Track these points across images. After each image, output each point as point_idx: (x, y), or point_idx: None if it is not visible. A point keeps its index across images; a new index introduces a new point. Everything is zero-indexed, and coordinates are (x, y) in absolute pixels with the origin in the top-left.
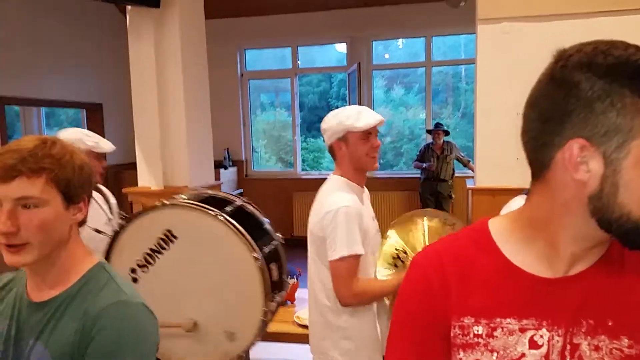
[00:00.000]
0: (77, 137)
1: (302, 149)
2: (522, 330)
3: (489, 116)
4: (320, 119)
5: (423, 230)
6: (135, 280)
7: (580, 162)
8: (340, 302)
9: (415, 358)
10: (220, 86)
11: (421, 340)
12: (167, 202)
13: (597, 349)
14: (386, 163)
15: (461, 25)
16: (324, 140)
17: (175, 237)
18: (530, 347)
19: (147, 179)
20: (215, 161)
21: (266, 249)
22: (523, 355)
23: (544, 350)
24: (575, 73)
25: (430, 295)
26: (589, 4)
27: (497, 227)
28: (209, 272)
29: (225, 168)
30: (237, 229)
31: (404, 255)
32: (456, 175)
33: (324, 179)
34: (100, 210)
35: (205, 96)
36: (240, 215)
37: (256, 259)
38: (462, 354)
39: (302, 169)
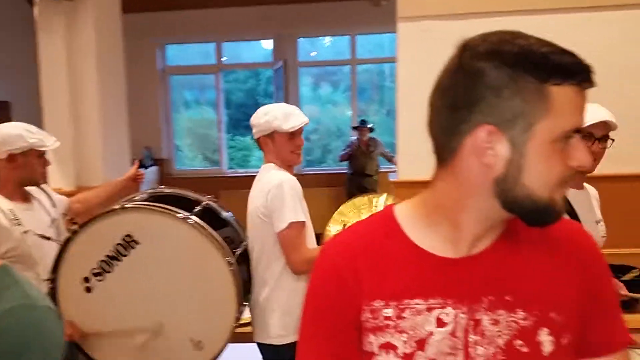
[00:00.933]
0: (17, 132)
1: (229, 147)
2: (429, 309)
3: (410, 112)
4: (248, 117)
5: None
6: (88, 289)
7: (488, 147)
8: (293, 270)
9: (331, 351)
10: (139, 82)
11: (335, 332)
12: (127, 206)
13: (496, 322)
14: (314, 160)
15: (385, 24)
16: (252, 137)
17: (136, 242)
18: (438, 326)
19: (58, 179)
20: (134, 160)
21: (238, 251)
22: (431, 334)
23: (450, 327)
24: (482, 62)
25: (340, 285)
26: (507, 4)
27: (402, 213)
28: (175, 279)
29: (146, 167)
30: (209, 233)
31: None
32: (381, 170)
33: (253, 177)
34: (43, 212)
35: (122, 93)
36: (207, 215)
37: (230, 263)
38: (372, 337)
39: (230, 167)
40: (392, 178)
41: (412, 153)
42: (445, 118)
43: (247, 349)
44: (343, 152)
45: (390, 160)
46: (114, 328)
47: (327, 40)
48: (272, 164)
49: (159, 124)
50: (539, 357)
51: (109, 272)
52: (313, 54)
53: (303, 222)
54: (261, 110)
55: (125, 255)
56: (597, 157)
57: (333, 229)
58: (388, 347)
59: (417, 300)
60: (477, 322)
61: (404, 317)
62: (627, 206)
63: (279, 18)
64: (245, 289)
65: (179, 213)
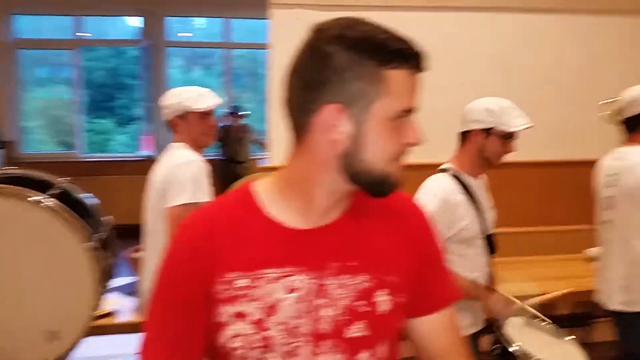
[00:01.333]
0: None
1: (88, 130)
2: (281, 277)
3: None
4: (110, 98)
5: None
6: None
7: (334, 125)
8: None
9: (177, 323)
10: None
11: (184, 304)
12: None
13: (341, 286)
14: None
15: (260, 9)
16: (114, 120)
17: None
18: (288, 292)
19: None
20: None
21: (97, 236)
22: (281, 300)
23: (299, 293)
24: (329, 45)
25: (194, 258)
26: None
27: (260, 188)
28: (27, 267)
29: None
30: (65, 216)
31: None
32: (253, 157)
33: (112, 162)
34: None
35: None
36: (64, 199)
37: (88, 248)
38: (225, 308)
39: (88, 152)
40: (261, 164)
41: (283, 140)
42: (298, 97)
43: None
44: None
45: (262, 146)
46: None
47: (200, 21)
48: (181, 144)
49: (4, 103)
50: (377, 315)
51: None
52: (184, 35)
53: (198, 204)
54: (172, 90)
55: None
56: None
57: None
58: (240, 315)
59: (270, 270)
60: (325, 287)
61: (257, 286)
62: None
63: None
64: (108, 275)
65: (31, 195)
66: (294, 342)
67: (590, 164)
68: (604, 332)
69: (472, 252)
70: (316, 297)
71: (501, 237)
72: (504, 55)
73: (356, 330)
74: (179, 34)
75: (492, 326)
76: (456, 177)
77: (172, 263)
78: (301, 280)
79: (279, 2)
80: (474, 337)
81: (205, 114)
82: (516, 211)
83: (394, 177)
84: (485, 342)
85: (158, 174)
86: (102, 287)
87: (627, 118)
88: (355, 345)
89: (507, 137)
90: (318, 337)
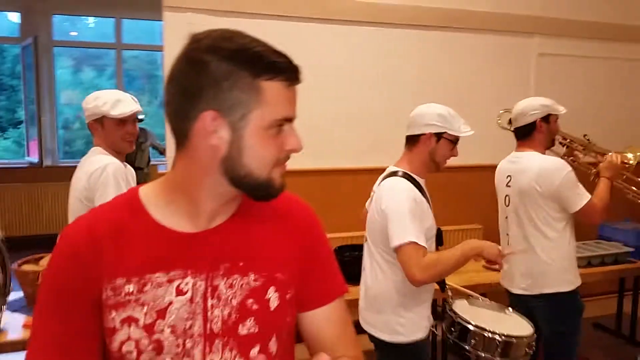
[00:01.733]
0: None
1: None
2: (170, 281)
3: None
4: None
5: None
6: None
7: (213, 131)
8: None
9: (64, 332)
10: None
11: (70, 312)
12: None
13: (231, 286)
14: (77, 151)
15: (154, 11)
16: None
17: None
18: (177, 295)
19: None
20: None
21: None
22: (171, 302)
23: (188, 295)
24: (205, 55)
25: (79, 265)
26: (268, 7)
27: (146, 193)
28: None
29: None
30: None
31: None
32: (153, 163)
33: None
34: None
35: None
36: None
37: None
38: (114, 313)
39: None
40: (162, 169)
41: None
42: (177, 104)
43: None
44: None
45: (162, 152)
46: None
47: (90, 21)
48: (99, 148)
49: None
50: (267, 312)
51: None
52: (73, 34)
53: None
54: (92, 94)
55: None
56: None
57: None
58: (129, 320)
59: (157, 274)
60: (215, 288)
61: (145, 291)
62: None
63: None
64: (3, 292)
65: None
66: (186, 344)
67: (474, 169)
68: None
69: (430, 247)
70: (206, 298)
71: None
72: (388, 67)
73: (248, 327)
74: (73, 33)
75: (443, 312)
76: (410, 179)
77: (55, 270)
78: (190, 282)
79: (172, 4)
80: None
81: (123, 121)
82: None
83: (276, 182)
84: (440, 328)
85: (78, 180)
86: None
87: (517, 127)
88: (247, 342)
89: (455, 142)
90: (211, 337)
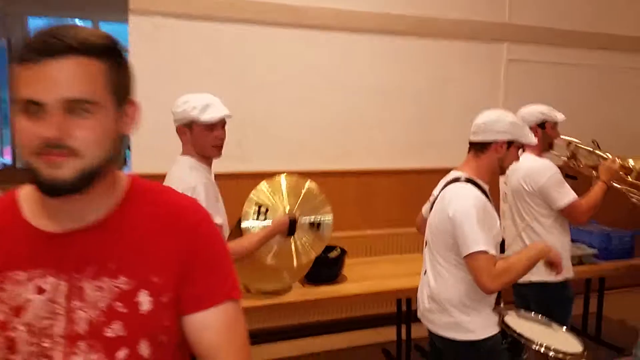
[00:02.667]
0: None
1: None
2: (30, 279)
3: (143, 106)
4: None
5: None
6: None
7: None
8: None
9: None
10: None
11: None
12: None
13: (99, 289)
14: None
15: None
16: None
17: None
18: (36, 293)
19: None
20: None
21: None
22: (28, 301)
23: (49, 295)
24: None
25: None
26: (235, 11)
27: (25, 192)
28: None
29: None
30: None
31: (264, 209)
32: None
33: None
34: None
35: None
36: None
37: None
38: None
39: None
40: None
41: (146, 146)
42: None
43: None
44: None
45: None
46: None
47: (56, 23)
48: (188, 158)
49: None
50: (137, 316)
51: None
52: None
53: (220, 225)
54: (181, 98)
55: None
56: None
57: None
58: None
59: (17, 272)
60: (81, 289)
61: (4, 288)
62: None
63: None
64: None
65: None
66: (42, 343)
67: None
68: None
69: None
70: (70, 299)
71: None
72: (357, 73)
73: (114, 330)
74: None
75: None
76: (476, 185)
77: None
78: (52, 282)
79: (138, 7)
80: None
81: (212, 125)
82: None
83: (41, 174)
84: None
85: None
86: None
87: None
88: (113, 345)
89: (519, 149)
90: (74, 338)
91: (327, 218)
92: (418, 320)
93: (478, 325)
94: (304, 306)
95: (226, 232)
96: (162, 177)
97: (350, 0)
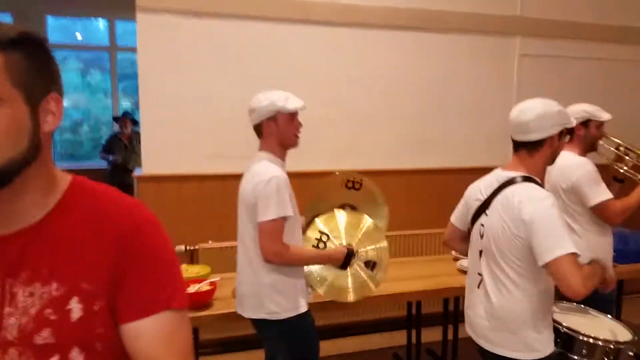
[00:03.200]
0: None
1: None
2: None
3: (153, 105)
4: None
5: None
6: None
7: None
8: (264, 258)
9: None
10: None
11: None
12: None
13: (31, 295)
14: (84, 155)
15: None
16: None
17: None
18: None
19: None
20: None
21: None
22: None
23: None
24: None
25: None
26: (244, 8)
27: None
28: None
29: None
30: None
31: (326, 238)
32: None
33: None
34: None
35: None
36: None
37: None
38: None
39: None
40: (136, 173)
41: (157, 147)
42: None
43: None
44: (101, 150)
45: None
46: None
47: (100, 23)
48: (266, 153)
49: None
50: (67, 323)
51: None
52: (79, 36)
53: (284, 218)
54: (259, 95)
55: None
56: None
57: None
58: None
59: None
60: (13, 295)
61: None
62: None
63: None
64: None
65: None
66: None
67: (449, 172)
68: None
69: None
70: (3, 305)
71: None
72: (366, 69)
73: (44, 338)
74: (78, 36)
75: None
76: (539, 184)
77: None
78: None
79: (146, 6)
80: None
81: (293, 115)
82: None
83: None
84: None
85: (244, 188)
86: None
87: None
88: (44, 353)
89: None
90: (5, 345)
91: (383, 259)
92: (428, 325)
93: (545, 343)
94: (313, 309)
95: (297, 224)
96: (170, 177)
97: None
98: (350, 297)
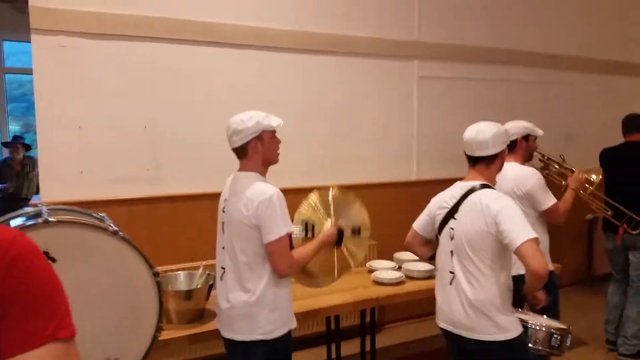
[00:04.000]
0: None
1: None
2: None
3: (51, 129)
4: None
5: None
6: None
7: None
8: (280, 275)
9: None
10: None
11: None
12: (45, 220)
13: None
14: None
15: None
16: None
17: (52, 259)
18: None
19: None
20: None
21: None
22: None
23: None
24: None
25: None
26: (143, 29)
27: None
28: (94, 294)
29: None
30: (135, 247)
31: (311, 226)
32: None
33: None
34: None
35: None
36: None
37: (155, 274)
38: None
39: None
40: (35, 199)
41: (57, 172)
42: None
43: None
44: None
45: None
46: None
47: None
48: (253, 173)
49: None
50: None
51: None
52: None
53: (291, 232)
54: (239, 117)
55: None
56: None
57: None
58: None
59: None
60: None
61: None
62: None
63: None
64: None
65: (101, 225)
66: None
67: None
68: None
69: None
70: None
71: None
72: (275, 90)
73: None
74: None
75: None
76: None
77: None
78: None
79: (41, 27)
80: None
81: (274, 132)
82: None
83: None
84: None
85: (239, 208)
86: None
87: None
88: None
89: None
90: None
91: (364, 219)
92: (347, 338)
93: (515, 323)
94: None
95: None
96: (74, 204)
97: (265, 18)
98: (352, 264)
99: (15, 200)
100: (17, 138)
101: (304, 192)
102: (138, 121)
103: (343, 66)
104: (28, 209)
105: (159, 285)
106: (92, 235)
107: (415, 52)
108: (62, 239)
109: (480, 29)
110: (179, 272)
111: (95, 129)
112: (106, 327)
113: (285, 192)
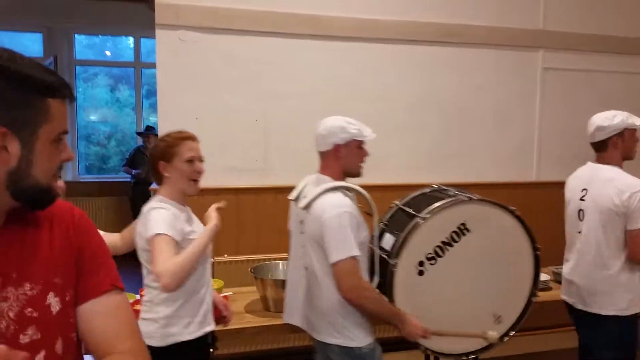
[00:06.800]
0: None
1: None
2: None
3: (170, 120)
4: None
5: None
6: (421, 273)
7: (2, 146)
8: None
9: None
10: None
11: None
12: (471, 197)
13: (5, 299)
14: (111, 168)
15: None
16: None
17: (468, 230)
18: None
19: None
20: None
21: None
22: None
23: None
24: None
25: None
26: (259, 24)
27: None
28: (490, 262)
29: None
30: (525, 225)
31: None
32: None
33: None
34: None
35: None
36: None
37: (537, 248)
38: None
39: None
40: (153, 186)
41: None
42: None
43: None
44: (125, 164)
45: None
46: (435, 311)
47: (130, 41)
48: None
49: None
50: (49, 317)
51: (440, 256)
52: (108, 53)
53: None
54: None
55: (456, 242)
56: None
57: None
58: None
59: None
60: None
61: None
62: None
63: (51, 11)
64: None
65: (504, 206)
66: None
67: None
68: None
69: None
70: None
71: None
72: (387, 83)
73: (30, 336)
74: (106, 52)
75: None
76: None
77: None
78: None
79: (164, 22)
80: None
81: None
82: None
83: (55, 189)
84: None
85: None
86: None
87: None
88: (31, 350)
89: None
90: None
91: None
92: None
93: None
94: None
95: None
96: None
97: (373, 9)
98: None
99: (146, 184)
100: (149, 129)
101: (410, 188)
102: (250, 114)
103: (456, 57)
104: (426, 190)
105: (536, 258)
106: (495, 212)
107: (540, 42)
108: (475, 214)
109: (613, 16)
110: (279, 261)
111: (210, 120)
112: (495, 287)
113: (391, 188)
